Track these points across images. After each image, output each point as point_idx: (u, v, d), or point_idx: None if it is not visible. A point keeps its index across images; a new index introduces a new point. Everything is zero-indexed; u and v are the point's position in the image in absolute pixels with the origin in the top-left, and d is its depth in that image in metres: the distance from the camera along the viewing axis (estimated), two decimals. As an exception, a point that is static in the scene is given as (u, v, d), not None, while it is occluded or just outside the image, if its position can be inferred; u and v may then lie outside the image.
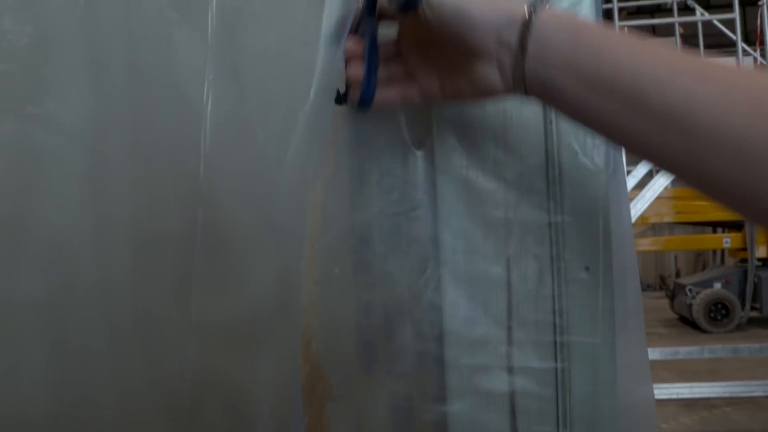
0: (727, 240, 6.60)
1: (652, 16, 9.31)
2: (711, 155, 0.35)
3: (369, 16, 0.46)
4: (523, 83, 0.41)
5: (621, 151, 0.49)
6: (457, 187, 0.48)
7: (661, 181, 4.32)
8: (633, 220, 4.18)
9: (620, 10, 4.95)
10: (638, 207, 4.23)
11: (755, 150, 0.33)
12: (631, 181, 4.37)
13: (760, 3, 4.79)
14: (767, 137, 0.33)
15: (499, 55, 0.41)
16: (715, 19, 5.01)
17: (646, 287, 10.77)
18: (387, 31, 0.47)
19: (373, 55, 0.46)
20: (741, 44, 4.52)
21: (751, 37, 6.31)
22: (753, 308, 6.77)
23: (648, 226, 6.81)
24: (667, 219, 6.22)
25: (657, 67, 0.37)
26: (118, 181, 0.52)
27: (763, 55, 5.01)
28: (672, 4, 5.13)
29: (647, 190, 4.34)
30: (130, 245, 0.52)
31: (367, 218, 0.50)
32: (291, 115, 0.47)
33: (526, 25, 0.40)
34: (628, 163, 4.68)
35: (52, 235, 0.51)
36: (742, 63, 4.40)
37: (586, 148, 0.47)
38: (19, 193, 0.51)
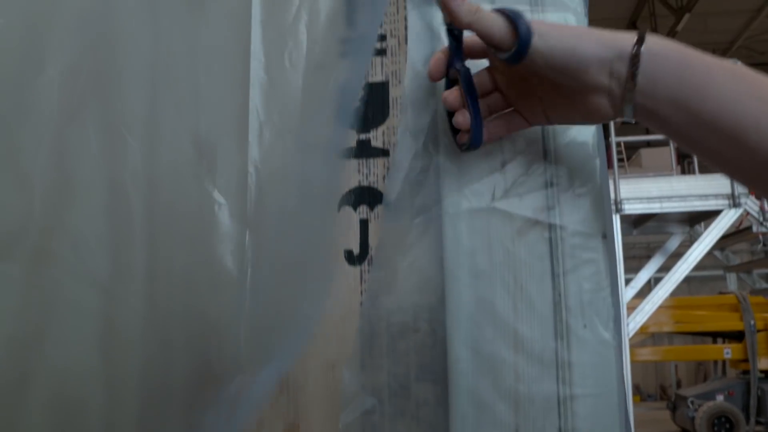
0: (728, 351, 6.50)
1: (647, 131, 9.60)
2: None
3: (459, 61, 0.47)
4: (632, 112, 0.43)
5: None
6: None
7: (660, 293, 4.32)
8: (632, 333, 4.16)
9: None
10: (637, 320, 4.21)
11: None
12: (630, 292, 4.38)
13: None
14: None
15: (611, 87, 0.43)
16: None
17: (646, 397, 10.52)
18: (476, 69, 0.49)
19: (474, 99, 0.46)
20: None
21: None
22: (758, 422, 6.58)
23: (648, 335, 6.73)
24: (667, 329, 6.16)
25: (759, 111, 0.39)
26: (132, 328, 0.53)
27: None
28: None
29: (646, 303, 4.33)
30: (138, 394, 0.52)
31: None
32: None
33: (635, 59, 0.41)
34: (627, 272, 4.72)
35: (60, 379, 0.52)
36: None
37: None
38: (29, 334, 0.52)
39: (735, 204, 4.49)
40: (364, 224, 0.52)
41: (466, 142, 0.47)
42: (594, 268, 0.47)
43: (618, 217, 4.49)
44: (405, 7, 0.54)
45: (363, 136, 0.53)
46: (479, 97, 0.47)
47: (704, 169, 5.69)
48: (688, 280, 4.99)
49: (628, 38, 0.42)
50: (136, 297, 0.53)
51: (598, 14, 10.19)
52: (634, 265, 8.87)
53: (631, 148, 7.74)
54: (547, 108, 0.47)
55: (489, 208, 0.48)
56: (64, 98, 0.55)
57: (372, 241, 0.51)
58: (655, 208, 4.61)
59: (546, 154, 0.49)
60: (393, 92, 0.53)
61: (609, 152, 5.19)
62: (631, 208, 4.56)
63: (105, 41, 0.56)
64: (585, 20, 0.52)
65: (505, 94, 0.49)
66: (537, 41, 0.42)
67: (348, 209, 0.52)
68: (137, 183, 0.53)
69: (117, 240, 0.53)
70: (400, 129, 0.52)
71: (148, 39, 0.56)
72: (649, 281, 4.58)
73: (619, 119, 0.45)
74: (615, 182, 4.62)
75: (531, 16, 0.50)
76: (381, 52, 0.54)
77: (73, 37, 0.56)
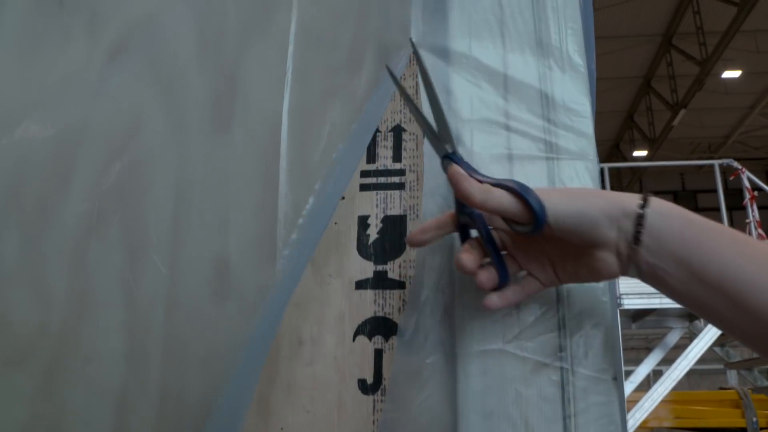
0: (730, 448, 6.33)
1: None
2: None
3: (478, 217, 0.48)
4: (635, 270, 0.45)
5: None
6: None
7: (660, 390, 4.25)
8: (632, 430, 4.06)
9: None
10: (637, 417, 4.13)
11: None
12: (629, 387, 4.30)
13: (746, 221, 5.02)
14: None
15: (618, 243, 0.45)
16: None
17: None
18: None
19: (494, 245, 0.48)
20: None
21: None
22: None
23: (648, 430, 6.58)
24: (667, 423, 6.01)
25: (758, 275, 0.41)
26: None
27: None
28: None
29: (646, 399, 4.26)
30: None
31: None
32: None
33: (640, 219, 0.43)
34: (626, 363, 4.65)
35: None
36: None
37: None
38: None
39: (734, 302, 4.48)
40: (378, 354, 0.52)
41: (494, 288, 0.48)
42: (604, 410, 0.48)
43: (617, 311, 4.47)
44: (424, 143, 0.57)
45: (380, 268, 0.54)
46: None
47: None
48: (687, 373, 4.91)
49: (633, 198, 0.45)
50: (149, 414, 0.53)
51: (598, 107, 10.39)
52: (632, 356, 8.76)
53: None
54: (557, 268, 0.49)
55: (501, 351, 0.49)
56: (88, 212, 0.56)
57: (386, 371, 0.52)
58: (654, 303, 4.59)
59: (559, 297, 0.51)
60: (410, 226, 0.55)
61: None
62: (631, 304, 4.55)
63: (132, 159, 0.58)
64: (597, 167, 0.54)
65: (515, 257, 0.50)
66: (549, 211, 0.44)
67: (363, 339, 0.53)
68: (156, 302, 0.54)
69: (131, 357, 0.54)
70: (417, 264, 0.53)
71: (174, 160, 0.57)
72: (648, 375, 4.51)
73: (625, 276, 0.46)
74: (614, 276, 4.60)
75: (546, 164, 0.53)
76: (399, 186, 0.57)
77: (102, 153, 0.58)
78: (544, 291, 0.50)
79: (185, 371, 0.53)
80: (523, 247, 0.50)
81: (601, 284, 0.51)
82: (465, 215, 0.49)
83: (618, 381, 0.48)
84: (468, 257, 0.47)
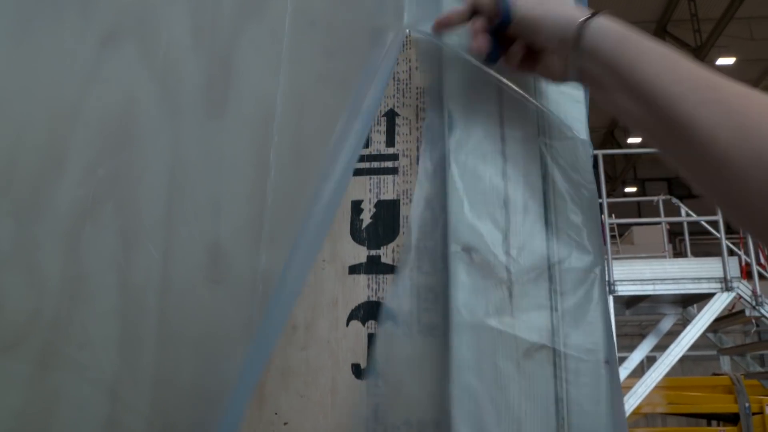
0: (723, 433, 6.38)
1: (640, 215, 9.72)
2: (702, 162, 0.43)
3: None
4: (576, 73, 0.52)
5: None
6: None
7: (654, 376, 4.29)
8: (626, 415, 4.10)
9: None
10: (630, 403, 4.16)
11: (734, 174, 0.41)
12: (623, 372, 4.34)
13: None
14: (746, 168, 0.40)
15: (561, 50, 0.52)
16: (703, 220, 5.25)
17: (640, 479, 10.24)
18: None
19: (498, 27, 0.54)
20: (725, 242, 4.69)
21: (735, 229, 6.55)
22: None
23: (641, 416, 6.62)
24: (660, 409, 6.06)
25: (674, 84, 0.45)
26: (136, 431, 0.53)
27: (746, 250, 5.16)
28: (658, 202, 5.40)
29: (639, 385, 4.29)
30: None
31: None
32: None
33: (580, 29, 0.50)
34: (620, 350, 4.69)
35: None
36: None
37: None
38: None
39: (727, 288, 4.50)
40: (371, 339, 0.53)
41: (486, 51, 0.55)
42: (595, 392, 0.48)
43: (611, 298, 4.49)
44: (418, 128, 0.57)
45: (373, 252, 0.55)
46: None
47: (697, 253, 5.74)
48: (681, 359, 4.94)
49: (583, 11, 0.51)
50: (141, 401, 0.53)
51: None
52: (626, 343, 8.80)
53: (624, 226, 7.78)
54: (537, 60, 0.56)
55: (491, 329, 0.49)
56: (81, 197, 0.56)
57: (379, 355, 0.52)
58: (648, 290, 4.61)
59: (551, 277, 0.51)
60: (404, 210, 0.55)
61: (603, 231, 5.23)
62: (624, 290, 4.57)
63: (125, 144, 0.58)
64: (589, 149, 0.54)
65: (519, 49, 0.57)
66: (514, 10, 0.53)
67: (356, 323, 0.53)
68: (149, 286, 0.54)
69: (125, 342, 0.54)
70: (405, 246, 0.53)
71: (167, 144, 0.57)
72: (642, 361, 4.54)
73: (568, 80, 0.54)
74: (608, 264, 4.63)
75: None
76: (393, 171, 0.57)
77: (95, 138, 0.58)
78: (536, 270, 0.51)
79: (178, 356, 0.53)
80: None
81: (594, 267, 0.51)
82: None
83: (611, 364, 0.49)
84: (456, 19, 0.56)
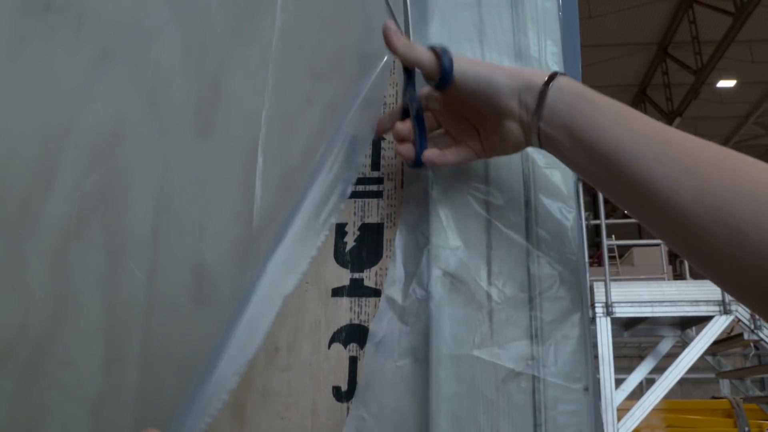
0: (722, 458, 6.34)
1: (640, 236, 9.72)
2: (663, 220, 0.43)
3: (412, 91, 0.54)
4: (537, 139, 0.50)
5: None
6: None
7: (651, 399, 4.26)
8: (624, 438, 4.07)
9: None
10: (628, 425, 4.14)
11: (696, 231, 0.40)
12: (621, 395, 4.31)
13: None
14: (707, 225, 0.40)
15: (520, 114, 0.49)
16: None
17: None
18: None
19: (421, 121, 0.54)
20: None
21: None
22: None
23: (639, 438, 6.58)
24: (659, 432, 6.02)
25: (630, 142, 0.44)
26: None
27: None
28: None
29: (637, 408, 4.27)
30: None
31: None
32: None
33: (543, 93, 0.48)
34: (618, 371, 4.67)
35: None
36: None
37: None
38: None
39: (726, 311, 4.49)
40: (353, 361, 0.53)
41: (411, 160, 0.53)
42: (575, 420, 0.48)
43: (609, 320, 4.48)
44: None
45: (356, 275, 0.55)
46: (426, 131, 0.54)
47: (695, 275, 5.72)
48: (680, 382, 4.92)
49: (540, 74, 0.49)
50: (125, 420, 0.53)
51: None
52: (624, 364, 8.76)
53: (624, 247, 7.79)
54: (482, 137, 0.53)
55: (472, 356, 0.49)
56: (69, 216, 0.57)
57: (361, 378, 0.52)
58: (646, 312, 4.60)
59: (531, 304, 0.51)
60: (387, 234, 0.56)
61: (600, 254, 5.24)
62: (622, 312, 4.56)
63: (114, 164, 0.58)
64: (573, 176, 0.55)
65: (447, 130, 0.56)
66: (457, 70, 0.50)
67: (338, 346, 0.53)
68: (134, 306, 0.54)
69: (109, 362, 0.54)
70: (389, 270, 0.54)
71: (155, 164, 0.58)
72: (641, 383, 4.52)
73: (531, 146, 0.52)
74: (606, 286, 4.63)
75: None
76: (377, 194, 0.57)
77: (84, 156, 0.58)
78: (518, 298, 0.51)
79: (162, 376, 0.53)
80: (455, 118, 0.55)
81: (576, 295, 0.51)
82: (405, 98, 0.55)
83: (590, 391, 0.49)
84: (407, 126, 0.53)
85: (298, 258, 0.49)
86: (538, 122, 0.48)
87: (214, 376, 0.43)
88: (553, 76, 0.49)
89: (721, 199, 0.39)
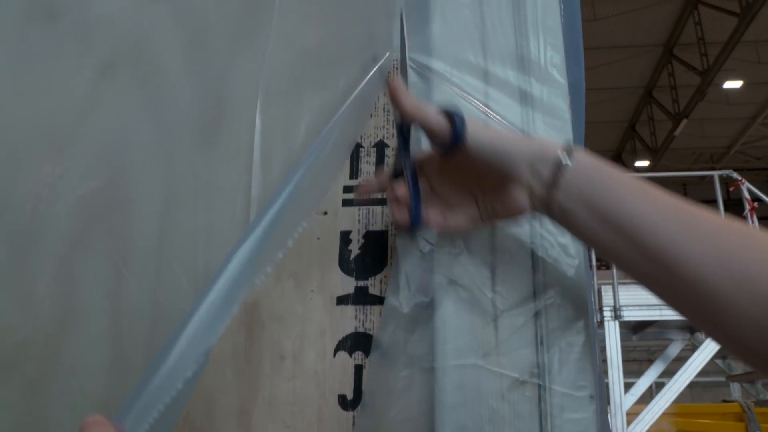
0: (734, 463, 6.28)
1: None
2: (688, 295, 0.42)
3: (406, 154, 0.52)
4: (547, 209, 0.48)
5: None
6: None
7: (661, 403, 4.24)
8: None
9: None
10: (638, 430, 4.11)
11: (720, 301, 0.40)
12: (630, 399, 4.29)
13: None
14: (732, 294, 0.40)
15: (530, 183, 0.48)
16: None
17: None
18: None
19: (416, 184, 0.52)
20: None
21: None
22: None
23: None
24: (669, 436, 5.98)
25: (656, 216, 0.44)
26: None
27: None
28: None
29: (647, 412, 4.24)
30: None
31: None
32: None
33: (559, 165, 0.47)
34: (628, 375, 4.65)
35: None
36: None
37: None
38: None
39: (735, 314, 4.46)
40: (358, 370, 0.52)
41: (406, 224, 0.51)
42: (581, 428, 0.47)
43: (617, 323, 4.46)
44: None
45: (361, 283, 0.55)
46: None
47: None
48: (690, 385, 4.89)
49: (553, 144, 0.48)
50: (130, 429, 0.53)
51: (600, 117, 10.46)
52: (634, 368, 8.72)
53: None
54: (479, 204, 0.52)
55: (477, 366, 0.49)
56: (74, 225, 0.57)
57: (366, 386, 0.52)
58: (654, 315, 4.58)
59: (537, 312, 0.51)
60: (392, 241, 0.55)
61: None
62: (631, 315, 4.54)
63: (119, 172, 0.58)
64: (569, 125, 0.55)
65: (441, 194, 0.53)
66: (470, 136, 0.48)
67: (344, 354, 0.53)
68: (140, 314, 0.54)
69: (116, 370, 0.54)
70: (393, 278, 0.53)
71: (160, 172, 0.58)
72: (650, 387, 4.50)
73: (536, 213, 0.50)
74: (614, 289, 4.61)
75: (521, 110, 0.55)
76: (382, 202, 0.57)
77: (89, 166, 0.59)
78: (523, 306, 0.51)
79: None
80: (451, 183, 0.53)
81: (582, 302, 0.51)
82: (399, 161, 0.53)
83: (596, 399, 0.48)
84: (402, 190, 0.52)
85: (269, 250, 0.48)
86: (554, 194, 0.47)
87: (169, 362, 0.42)
88: (570, 148, 0.47)
89: (751, 270, 0.40)
